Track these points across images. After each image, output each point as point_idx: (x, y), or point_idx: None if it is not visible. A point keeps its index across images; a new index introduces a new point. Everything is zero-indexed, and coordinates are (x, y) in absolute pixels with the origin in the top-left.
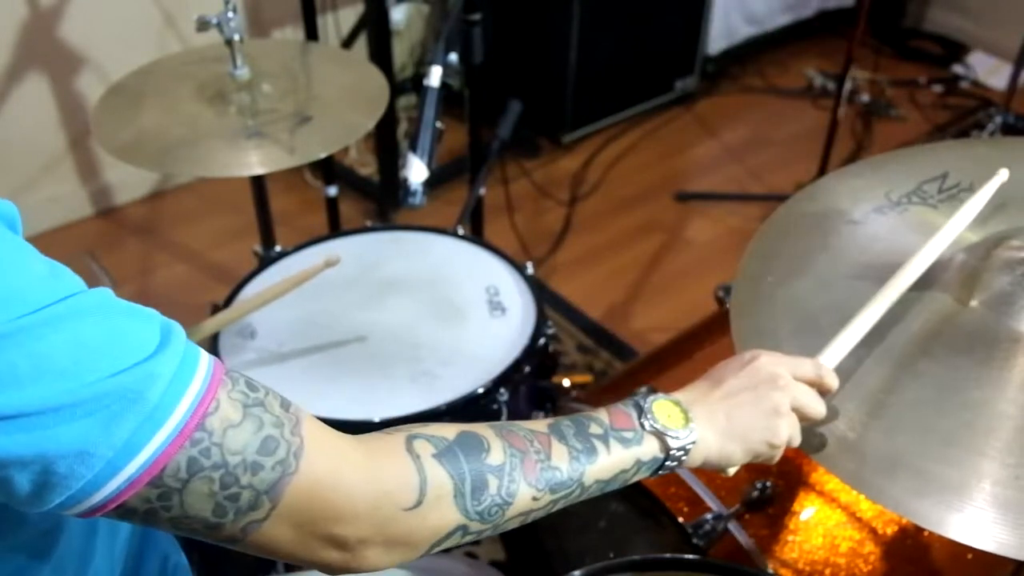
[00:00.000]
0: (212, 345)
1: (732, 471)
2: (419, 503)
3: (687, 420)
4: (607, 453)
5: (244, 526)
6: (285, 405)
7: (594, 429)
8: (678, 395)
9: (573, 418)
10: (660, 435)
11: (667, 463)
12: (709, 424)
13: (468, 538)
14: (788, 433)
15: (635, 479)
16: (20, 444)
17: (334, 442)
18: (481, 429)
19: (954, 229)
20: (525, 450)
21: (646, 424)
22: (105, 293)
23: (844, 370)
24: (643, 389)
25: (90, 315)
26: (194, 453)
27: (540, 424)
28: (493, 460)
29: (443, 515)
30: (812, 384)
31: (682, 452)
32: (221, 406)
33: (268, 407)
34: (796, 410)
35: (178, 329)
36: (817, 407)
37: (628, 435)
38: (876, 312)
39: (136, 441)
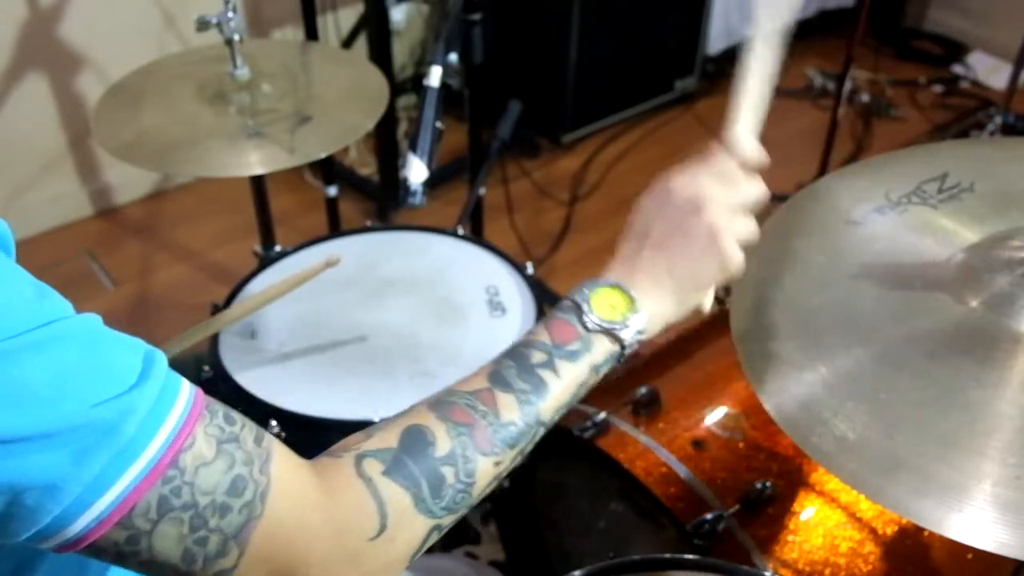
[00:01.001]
0: (212, 345)
1: (707, 307)
2: (383, 528)
3: (631, 302)
4: (558, 379)
5: (214, 574)
6: (259, 439)
7: (537, 357)
8: (612, 273)
9: (513, 351)
10: (608, 331)
11: (625, 351)
12: (655, 290)
13: (445, 530)
14: (739, 242)
15: (597, 381)
16: None
17: (296, 479)
18: (421, 416)
19: None
20: (471, 422)
21: (590, 324)
22: (91, 320)
23: (844, 370)
24: (587, 280)
25: (74, 342)
26: (165, 492)
27: (480, 379)
28: (441, 450)
29: (412, 529)
30: (735, 168)
31: (637, 334)
32: (196, 442)
33: (242, 443)
34: (734, 208)
35: (161, 359)
36: (756, 193)
37: (575, 347)
38: (763, 65)
39: (107, 476)
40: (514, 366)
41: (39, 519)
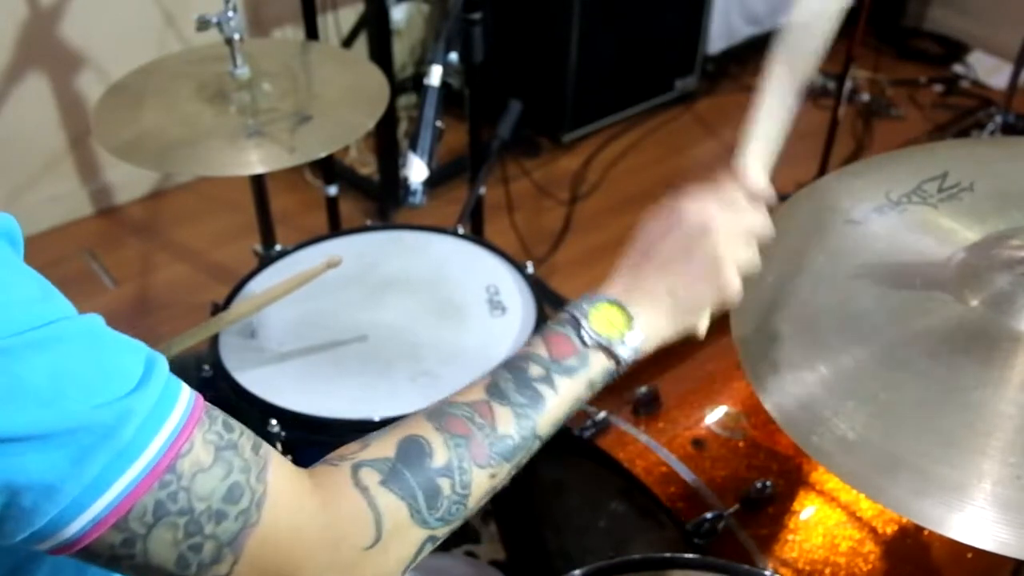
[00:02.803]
0: (212, 345)
1: (702, 330)
2: (378, 538)
3: (629, 319)
4: (555, 394)
5: None
6: (256, 447)
7: (535, 372)
8: (613, 288)
9: (511, 364)
10: (605, 348)
11: (620, 368)
12: (653, 309)
13: (440, 541)
14: (740, 274)
15: (591, 396)
16: None
17: (293, 489)
18: (419, 427)
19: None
20: (468, 434)
21: (588, 340)
22: (94, 320)
23: (844, 370)
24: (586, 294)
25: (76, 342)
26: (161, 496)
27: (478, 390)
28: (438, 461)
29: (406, 540)
30: (742, 197)
31: (633, 352)
32: (195, 448)
33: (240, 450)
34: (740, 237)
35: (162, 363)
36: (764, 225)
37: (572, 362)
38: (781, 100)
39: (104, 479)
40: (512, 379)
41: (36, 520)
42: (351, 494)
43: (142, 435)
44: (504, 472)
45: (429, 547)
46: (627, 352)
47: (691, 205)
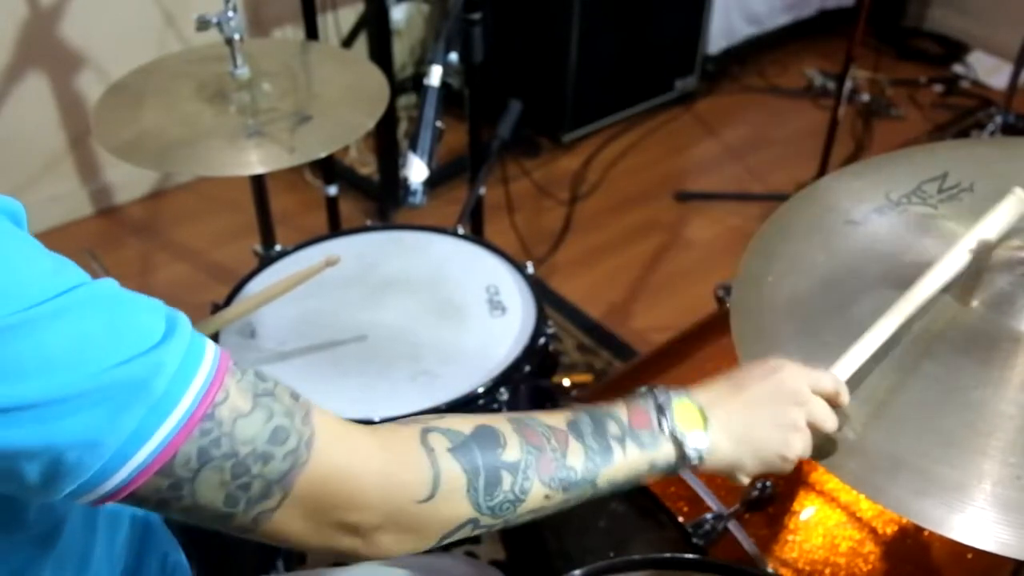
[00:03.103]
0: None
1: (744, 479)
2: (432, 496)
3: (705, 426)
4: (623, 455)
5: (256, 516)
6: (295, 395)
7: (612, 429)
8: (699, 396)
9: (592, 413)
10: (677, 440)
11: (682, 465)
12: (725, 432)
13: (479, 531)
14: (802, 448)
15: (647, 479)
16: (28, 435)
17: (346, 431)
18: (499, 423)
19: (973, 241)
20: (542, 447)
21: (665, 426)
22: (109, 284)
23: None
24: (642, 390)
25: (94, 306)
26: (204, 443)
27: (559, 418)
28: (509, 456)
29: (455, 508)
30: (827, 398)
31: (696, 458)
32: (231, 395)
33: (278, 397)
34: (810, 424)
35: (183, 319)
36: (831, 422)
37: (645, 437)
38: (892, 324)
39: (143, 430)
40: (591, 424)
41: (81, 474)
42: (415, 449)
43: (175, 386)
44: (558, 499)
45: (468, 530)
46: (693, 453)
47: (792, 371)
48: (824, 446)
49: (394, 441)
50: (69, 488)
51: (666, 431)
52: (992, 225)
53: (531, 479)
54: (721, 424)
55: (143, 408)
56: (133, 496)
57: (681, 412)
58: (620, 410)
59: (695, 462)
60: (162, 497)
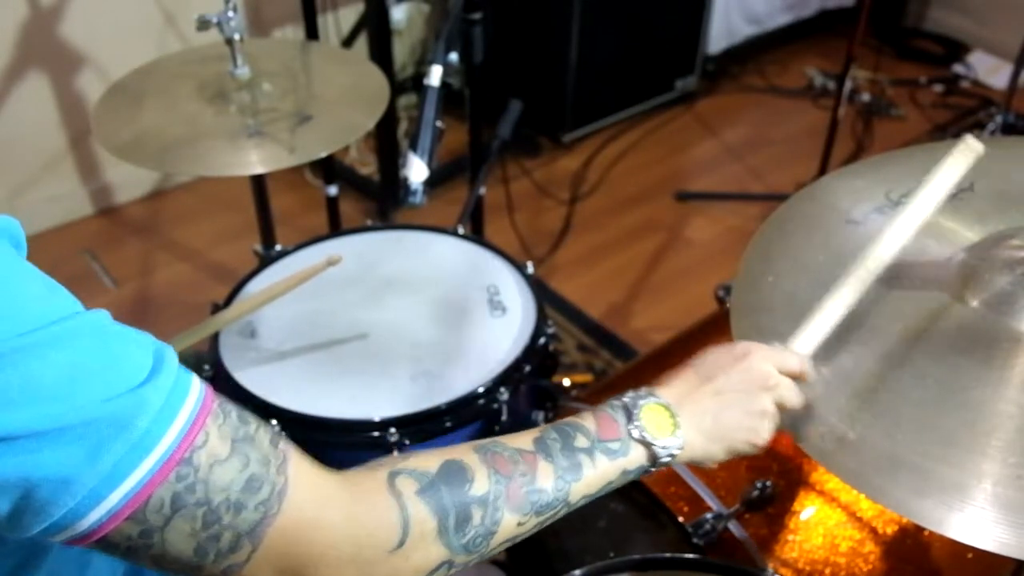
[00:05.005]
0: (213, 344)
1: (713, 466)
2: (402, 543)
3: (675, 426)
4: (592, 467)
5: (225, 568)
6: (275, 441)
7: (580, 442)
8: (667, 393)
9: (560, 428)
10: (647, 444)
11: (651, 469)
12: (696, 427)
13: (454, 571)
14: (771, 431)
15: (619, 485)
16: (4, 467)
17: (318, 482)
18: (466, 455)
19: (926, 204)
20: (510, 475)
21: (634, 432)
22: (101, 316)
23: (844, 370)
24: (643, 390)
25: (87, 338)
26: (179, 488)
27: (526, 439)
28: (477, 490)
29: (427, 553)
30: (794, 376)
31: (668, 458)
32: (210, 439)
33: (257, 443)
34: (778, 404)
35: (171, 355)
36: (797, 400)
37: (615, 446)
38: (848, 295)
39: (120, 470)
40: (559, 441)
41: (52, 512)
42: (384, 496)
43: (157, 426)
44: (531, 524)
45: (444, 571)
46: (664, 455)
47: (760, 355)
48: (816, 437)
49: (363, 489)
50: (39, 527)
51: (635, 436)
52: (946, 177)
53: (501, 509)
54: (691, 421)
55: (123, 447)
56: (103, 541)
57: (650, 417)
58: (588, 421)
59: (668, 461)
60: (132, 545)
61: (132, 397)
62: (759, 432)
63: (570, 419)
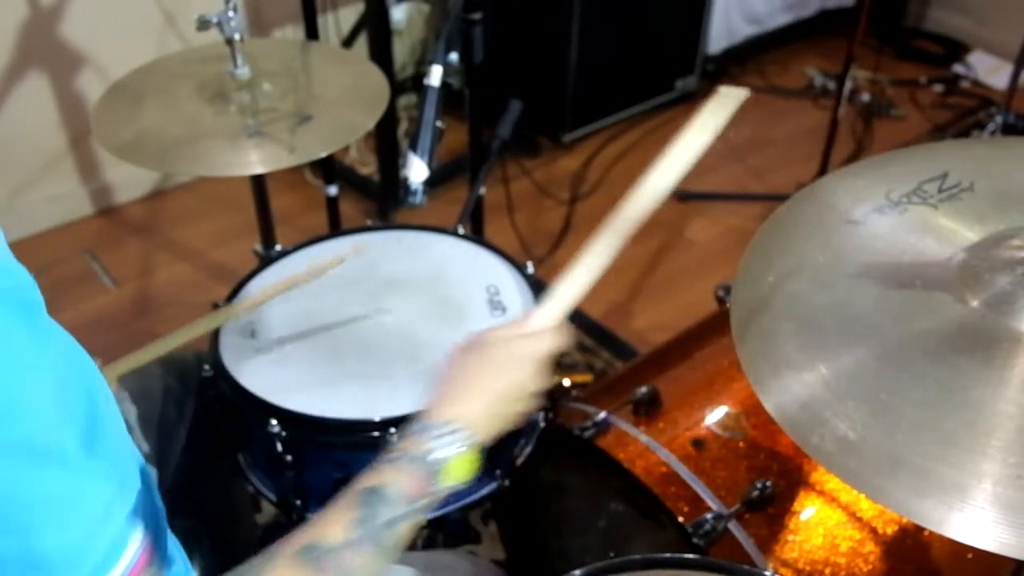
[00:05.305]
0: (213, 344)
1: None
2: None
3: (475, 464)
4: (404, 527)
5: None
6: None
7: (397, 509)
8: (465, 427)
9: (374, 501)
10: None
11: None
12: (481, 410)
13: None
14: (536, 401)
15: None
16: None
17: None
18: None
19: (682, 156)
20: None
21: (441, 487)
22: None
23: (844, 369)
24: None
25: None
26: None
27: (337, 530)
28: None
29: None
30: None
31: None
32: None
33: None
34: (534, 358)
35: (120, 508)
36: (552, 348)
37: (423, 502)
38: (604, 252)
39: None
40: (376, 516)
41: None
42: None
43: None
44: None
45: None
46: (446, 489)
47: (508, 346)
48: (816, 438)
49: None
50: None
51: (442, 489)
52: (704, 126)
53: None
54: (482, 441)
55: None
56: None
57: (456, 469)
58: (401, 482)
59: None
60: None
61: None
62: (527, 406)
63: (382, 481)
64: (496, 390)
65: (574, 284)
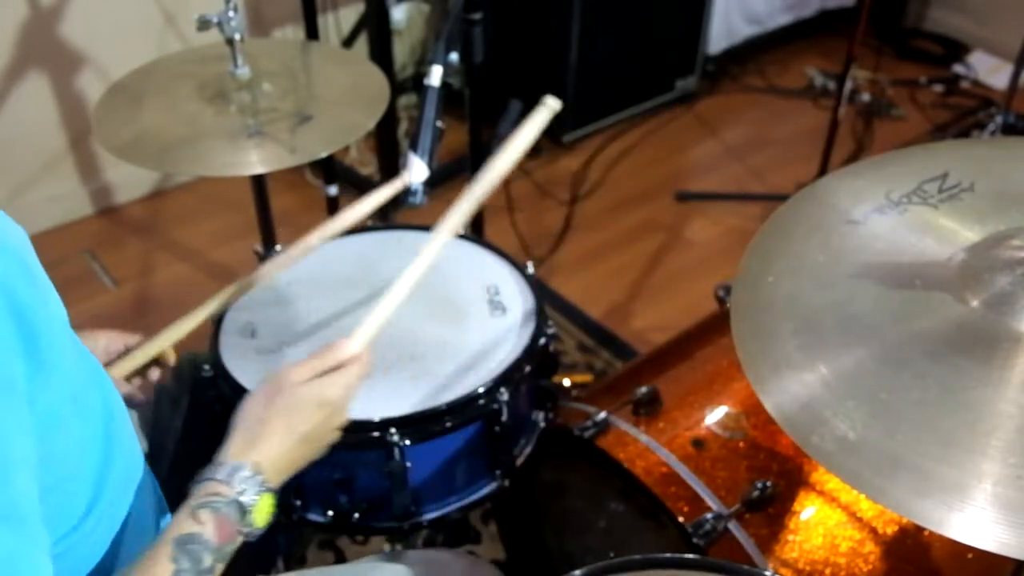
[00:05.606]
0: (213, 344)
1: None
2: None
3: (275, 507)
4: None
5: None
6: None
7: (206, 562)
8: (266, 471)
9: (184, 549)
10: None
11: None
12: (284, 447)
13: None
14: (338, 415)
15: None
16: None
17: None
18: None
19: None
20: None
21: (245, 531)
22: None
23: (844, 369)
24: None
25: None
26: None
27: None
28: None
29: None
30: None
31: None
32: None
33: None
34: (340, 388)
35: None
36: (357, 379)
37: (229, 548)
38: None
39: None
40: (193, 569)
41: None
42: None
43: None
44: None
45: None
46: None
47: (300, 388)
48: (816, 438)
49: None
50: None
51: (246, 532)
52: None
53: None
54: (277, 452)
55: None
56: None
57: (260, 512)
58: (208, 530)
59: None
60: None
61: None
62: (331, 442)
63: (197, 528)
64: (298, 432)
65: (382, 311)
